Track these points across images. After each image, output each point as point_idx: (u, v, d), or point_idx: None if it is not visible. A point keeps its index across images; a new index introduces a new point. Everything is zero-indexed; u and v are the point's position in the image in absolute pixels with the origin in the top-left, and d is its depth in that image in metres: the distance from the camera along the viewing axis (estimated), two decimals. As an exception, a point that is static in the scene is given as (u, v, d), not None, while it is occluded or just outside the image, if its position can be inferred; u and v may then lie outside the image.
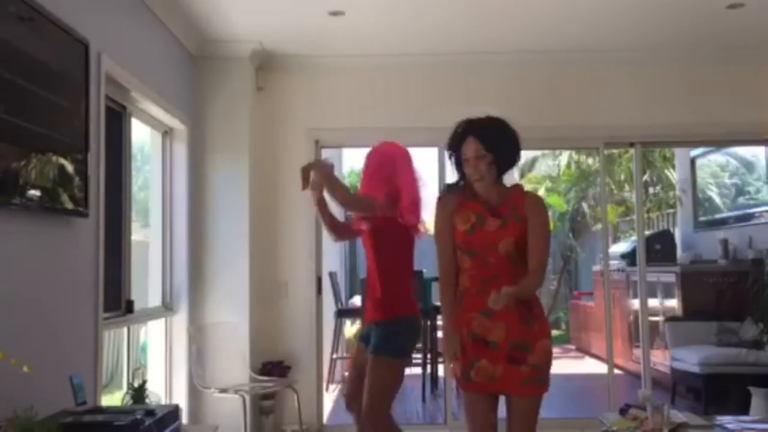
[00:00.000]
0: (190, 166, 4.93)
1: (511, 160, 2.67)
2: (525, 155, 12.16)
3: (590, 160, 11.11)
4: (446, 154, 2.74)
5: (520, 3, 4.44)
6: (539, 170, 12.26)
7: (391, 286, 3.27)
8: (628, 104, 5.44)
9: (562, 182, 11.61)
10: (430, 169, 5.58)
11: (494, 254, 2.61)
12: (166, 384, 4.67)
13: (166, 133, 4.84)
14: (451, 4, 4.43)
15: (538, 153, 11.77)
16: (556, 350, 10.13)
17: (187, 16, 4.57)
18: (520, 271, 2.61)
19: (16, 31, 2.56)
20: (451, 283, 2.73)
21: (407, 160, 3.44)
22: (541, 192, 11.95)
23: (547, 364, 2.68)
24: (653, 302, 6.85)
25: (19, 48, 2.57)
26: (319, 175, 3.18)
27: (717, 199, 7.82)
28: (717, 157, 7.82)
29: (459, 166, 2.68)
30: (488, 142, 2.59)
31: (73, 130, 3.01)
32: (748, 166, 7.41)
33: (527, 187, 12.23)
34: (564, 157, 11.27)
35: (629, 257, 7.33)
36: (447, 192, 2.78)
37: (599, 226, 8.67)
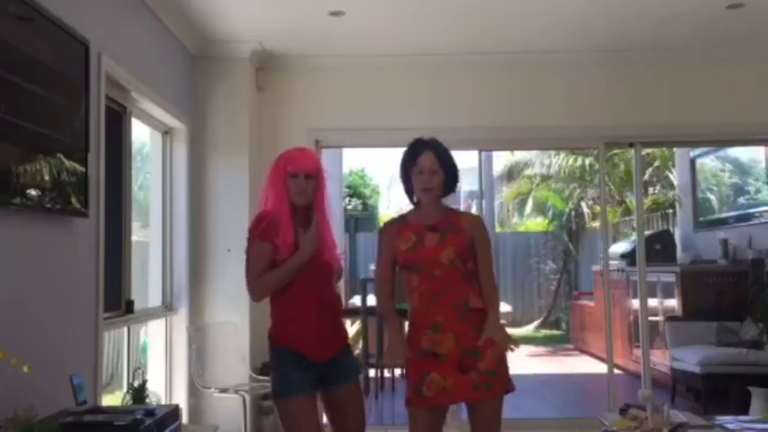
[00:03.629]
0: (190, 166, 4.93)
1: (454, 183, 2.84)
2: (521, 154, 12.18)
3: (585, 160, 11.11)
4: (400, 167, 2.86)
5: (519, 3, 4.44)
6: (534, 169, 12.28)
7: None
8: (628, 104, 5.44)
9: (559, 180, 11.61)
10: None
11: (438, 266, 2.70)
12: (166, 384, 4.67)
13: (166, 133, 4.84)
14: (451, 4, 4.43)
15: (534, 152, 11.77)
16: (555, 349, 10.23)
17: (188, 16, 4.57)
18: (467, 280, 2.72)
19: (17, 31, 2.56)
20: (387, 295, 2.85)
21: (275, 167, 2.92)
22: (541, 192, 11.98)
23: (499, 368, 2.71)
24: (653, 302, 6.85)
25: (19, 48, 2.57)
26: None
27: (715, 199, 7.81)
28: (717, 157, 7.81)
29: (408, 178, 2.82)
30: (443, 157, 2.77)
31: (73, 130, 3.01)
32: (748, 166, 7.41)
33: (522, 185, 12.22)
34: (561, 156, 11.27)
35: (629, 257, 7.33)
36: (386, 224, 2.93)
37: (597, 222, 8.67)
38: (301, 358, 2.74)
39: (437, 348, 2.68)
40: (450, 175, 2.79)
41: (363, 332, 6.65)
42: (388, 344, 2.86)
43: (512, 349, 2.72)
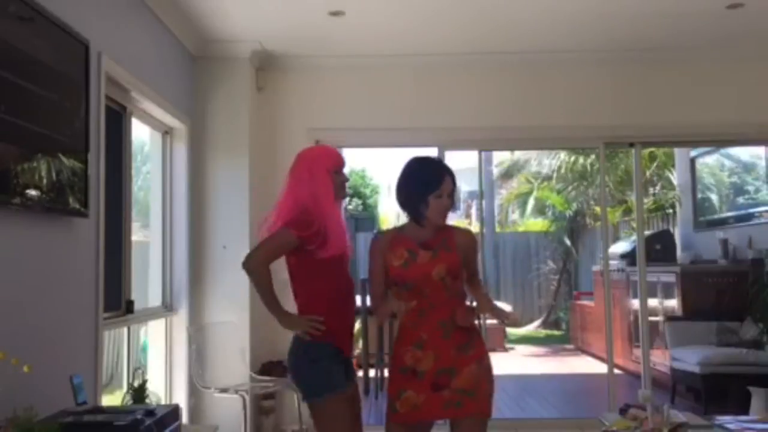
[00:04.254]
0: (190, 166, 4.93)
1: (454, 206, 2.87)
2: (520, 153, 12.18)
3: (583, 159, 11.09)
4: (413, 184, 2.77)
5: (519, 4, 4.44)
6: (534, 169, 12.27)
7: None
8: (628, 104, 5.44)
9: (559, 180, 11.61)
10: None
11: (429, 283, 2.68)
12: (166, 384, 4.67)
13: (167, 133, 4.84)
14: (451, 4, 4.43)
15: (533, 152, 11.76)
16: (555, 349, 10.22)
17: (188, 17, 4.57)
18: (454, 298, 2.71)
19: (16, 31, 2.56)
20: (381, 297, 2.82)
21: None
22: (541, 192, 11.97)
23: (475, 389, 2.65)
24: (653, 302, 6.85)
25: (19, 48, 2.57)
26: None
27: (716, 199, 7.81)
28: (717, 157, 7.81)
29: (423, 196, 2.73)
30: (454, 185, 2.78)
31: (73, 130, 3.01)
32: (748, 166, 7.41)
33: (522, 185, 12.20)
34: (561, 155, 11.26)
35: (629, 257, 7.33)
36: (380, 234, 2.90)
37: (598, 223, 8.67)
38: (339, 353, 2.74)
39: (418, 365, 2.67)
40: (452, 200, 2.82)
41: (363, 332, 6.66)
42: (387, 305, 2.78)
43: (504, 323, 2.74)
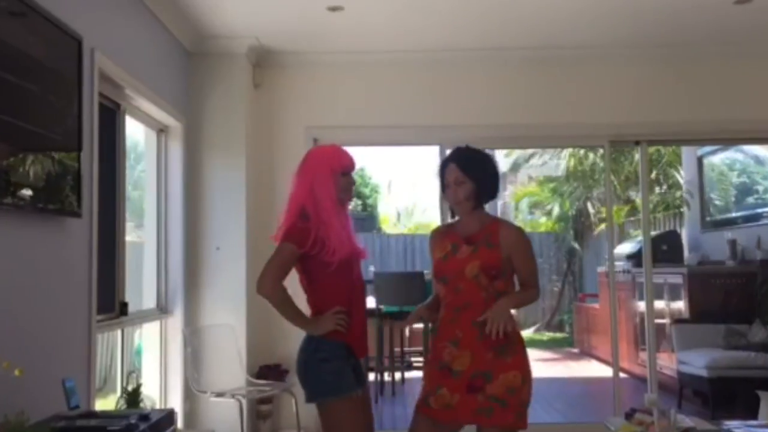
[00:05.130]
0: (186, 164, 4.93)
1: (492, 190, 2.81)
2: (523, 152, 12.18)
3: (590, 157, 11.10)
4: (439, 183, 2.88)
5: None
6: (537, 169, 12.27)
7: None
8: (633, 101, 5.44)
9: (563, 182, 11.61)
10: (431, 169, 5.59)
11: (463, 279, 2.69)
12: (160, 388, 4.67)
13: (161, 131, 4.84)
14: (453, 0, 4.44)
15: (537, 150, 11.75)
16: (559, 352, 10.21)
17: (183, 12, 4.57)
18: (492, 300, 2.67)
19: (8, 26, 2.56)
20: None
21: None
22: (545, 191, 11.98)
23: (508, 397, 2.65)
24: (659, 304, 6.84)
25: (10, 44, 2.57)
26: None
27: (723, 199, 7.81)
28: (724, 156, 7.81)
29: (444, 193, 2.84)
30: (468, 168, 2.73)
31: (66, 128, 3.02)
32: (757, 165, 7.41)
33: (523, 183, 12.17)
34: (565, 154, 11.26)
35: (635, 258, 7.33)
36: (435, 230, 2.97)
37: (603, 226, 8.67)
38: (350, 353, 2.73)
39: (454, 364, 2.68)
40: (481, 182, 2.74)
41: (378, 335, 6.66)
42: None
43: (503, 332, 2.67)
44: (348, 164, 2.82)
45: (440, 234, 2.87)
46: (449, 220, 2.97)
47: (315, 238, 2.67)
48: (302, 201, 2.76)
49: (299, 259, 2.72)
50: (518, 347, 2.74)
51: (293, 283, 2.77)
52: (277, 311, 2.70)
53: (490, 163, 2.82)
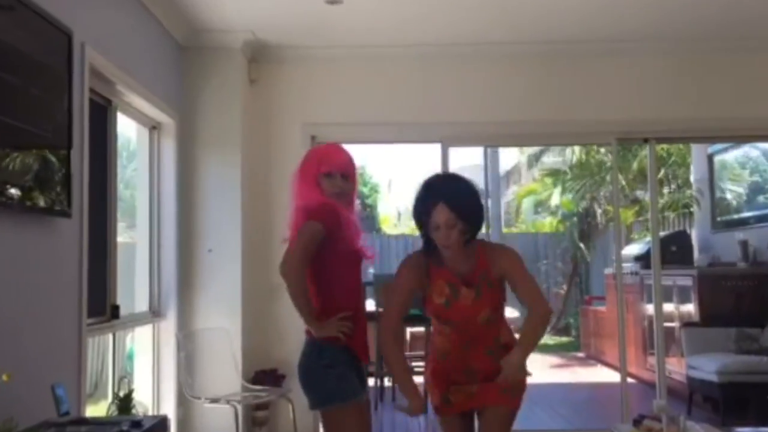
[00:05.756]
0: (179, 163, 4.93)
1: (479, 225, 2.73)
2: (529, 150, 12.19)
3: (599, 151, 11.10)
4: (413, 215, 2.77)
5: (527, -9, 4.45)
6: (543, 166, 12.28)
7: None
8: (642, 97, 5.44)
9: (569, 180, 11.62)
10: (433, 167, 5.59)
11: (473, 324, 2.72)
12: (153, 393, 4.67)
13: (154, 128, 4.84)
14: (454, -9, 4.44)
15: (543, 148, 11.77)
16: (565, 357, 10.20)
17: (176, 5, 4.57)
18: (495, 328, 2.76)
19: (-5, 20, 2.56)
20: (395, 338, 2.75)
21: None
22: (550, 190, 11.98)
23: (520, 383, 2.78)
24: (668, 307, 6.85)
25: (-2, 38, 2.57)
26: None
27: (734, 198, 7.81)
28: (736, 154, 7.81)
29: (425, 228, 2.71)
30: (460, 209, 2.62)
31: (56, 125, 3.01)
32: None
33: (532, 183, 12.21)
34: (570, 152, 11.27)
35: (643, 259, 7.33)
36: (416, 255, 2.82)
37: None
38: (354, 358, 2.73)
39: (468, 376, 2.78)
40: (472, 221, 2.67)
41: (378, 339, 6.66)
42: (408, 397, 2.72)
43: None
44: (329, 165, 2.77)
45: (424, 267, 2.74)
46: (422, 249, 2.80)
47: (333, 217, 2.67)
48: (302, 201, 2.77)
49: (325, 246, 2.68)
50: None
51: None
52: (291, 297, 2.66)
53: (476, 196, 2.76)
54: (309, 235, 2.64)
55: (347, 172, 2.81)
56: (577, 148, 11.13)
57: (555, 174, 12.04)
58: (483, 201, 2.81)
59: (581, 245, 11.91)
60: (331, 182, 2.76)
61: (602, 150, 10.96)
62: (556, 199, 12.07)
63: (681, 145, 9.67)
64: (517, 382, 2.73)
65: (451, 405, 2.78)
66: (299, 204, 2.78)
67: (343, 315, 2.67)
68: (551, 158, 12.18)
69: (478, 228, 2.73)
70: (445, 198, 2.63)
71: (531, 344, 2.70)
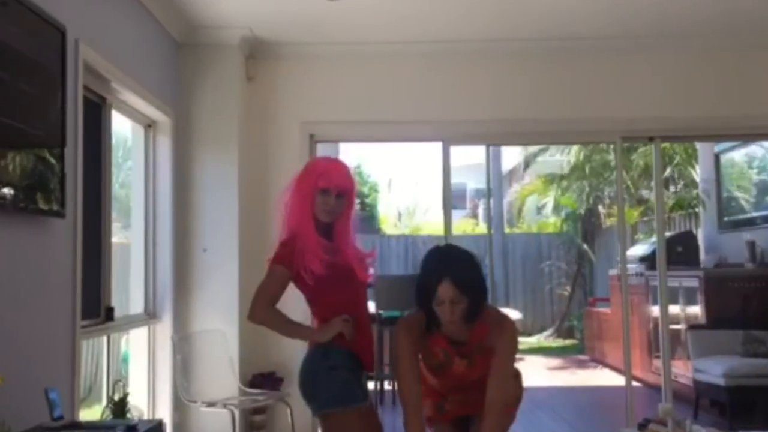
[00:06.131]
0: (175, 162, 4.93)
1: (482, 300, 2.80)
2: (534, 149, 12.16)
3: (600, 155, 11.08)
4: (417, 288, 2.82)
5: (530, -14, 4.45)
6: (544, 166, 12.28)
7: None
8: (647, 95, 5.43)
9: (572, 180, 11.61)
10: (434, 166, 5.59)
11: (465, 382, 2.92)
12: (148, 397, 4.67)
13: (149, 126, 4.84)
14: (456, -13, 4.44)
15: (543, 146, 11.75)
16: (568, 360, 10.20)
17: (172, 1, 4.57)
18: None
19: (-13, 16, 2.56)
20: (419, 410, 2.83)
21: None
22: (554, 190, 11.97)
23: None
24: (674, 309, 6.84)
25: (-10, 35, 2.57)
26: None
27: (742, 198, 7.81)
28: (743, 153, 7.81)
29: (427, 300, 2.77)
30: (465, 286, 2.70)
31: (49, 123, 3.01)
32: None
33: (533, 181, 12.19)
34: (573, 151, 11.25)
35: (648, 260, 7.34)
36: (412, 317, 2.90)
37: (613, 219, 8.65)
38: (359, 363, 2.76)
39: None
40: (477, 298, 2.75)
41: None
42: None
43: None
44: (330, 181, 2.80)
45: (424, 335, 2.83)
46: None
47: (295, 257, 2.74)
48: (290, 218, 2.85)
49: (296, 281, 2.79)
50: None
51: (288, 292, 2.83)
52: (279, 332, 2.84)
53: (479, 269, 2.83)
54: (275, 283, 2.78)
55: (344, 191, 2.83)
56: (574, 150, 11.11)
57: (550, 178, 12.04)
58: (484, 274, 2.90)
59: (585, 246, 11.91)
60: (324, 200, 2.80)
61: (603, 146, 10.93)
62: (550, 206, 12.08)
63: (687, 144, 9.66)
64: (512, 397, 2.87)
65: (445, 413, 2.93)
66: (281, 234, 2.86)
67: (345, 317, 2.71)
68: (549, 158, 12.15)
69: (480, 302, 2.79)
70: (450, 275, 2.69)
71: (497, 416, 2.75)
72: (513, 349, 2.83)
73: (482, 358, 2.78)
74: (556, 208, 12.18)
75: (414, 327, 2.84)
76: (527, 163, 12.68)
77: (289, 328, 2.80)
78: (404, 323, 2.89)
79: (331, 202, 2.80)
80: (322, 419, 2.74)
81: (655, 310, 6.58)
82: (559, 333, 12.08)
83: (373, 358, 2.87)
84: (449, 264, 2.75)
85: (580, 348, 10.81)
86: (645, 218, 10.47)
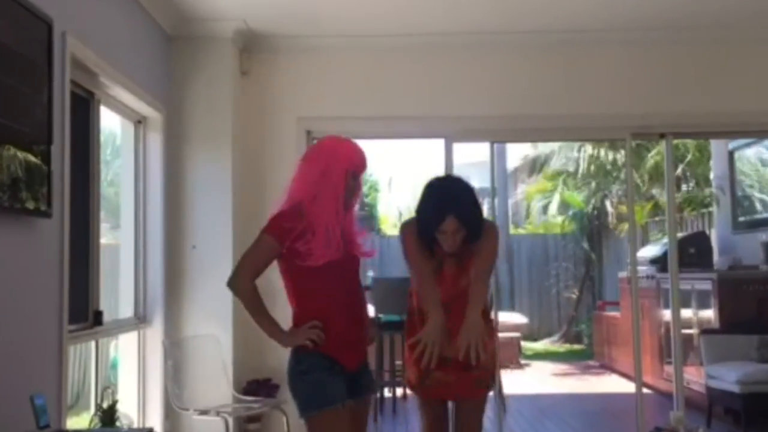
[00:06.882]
0: (166, 159, 4.93)
1: (480, 228, 3.12)
2: (540, 149, 12.16)
3: (610, 154, 11.08)
4: (419, 217, 3.14)
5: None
6: (555, 165, 12.26)
7: None
8: (658, 90, 5.43)
9: (579, 178, 11.60)
10: (436, 163, 5.59)
11: (454, 288, 3.11)
12: (138, 405, 4.67)
13: (139, 122, 4.84)
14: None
15: (554, 146, 11.75)
16: (576, 365, 10.22)
17: (163, -8, 4.57)
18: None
19: (-30, 8, 2.56)
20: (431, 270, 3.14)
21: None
22: (561, 188, 11.98)
23: (493, 365, 3.27)
24: (687, 313, 6.85)
25: (-27, 27, 2.57)
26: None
27: (757, 198, 7.81)
28: (759, 150, 7.81)
29: (429, 235, 3.10)
30: (466, 220, 3.04)
31: (35, 119, 3.01)
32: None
33: (542, 182, 12.19)
34: (585, 149, 11.24)
35: (660, 262, 7.33)
36: (408, 223, 3.26)
37: (625, 226, 8.66)
38: (334, 363, 2.75)
39: (444, 351, 2.95)
40: (474, 228, 3.08)
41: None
42: (430, 308, 3.00)
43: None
44: (360, 166, 2.83)
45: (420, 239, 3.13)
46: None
47: (300, 237, 2.70)
48: (302, 194, 2.79)
49: (281, 259, 2.77)
50: (489, 319, 3.27)
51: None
52: (247, 311, 2.80)
53: (479, 205, 3.16)
54: (261, 251, 2.78)
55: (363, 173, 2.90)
56: (585, 152, 11.11)
57: (555, 175, 12.04)
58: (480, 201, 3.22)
59: (592, 248, 11.91)
60: (356, 183, 2.85)
61: (607, 153, 10.95)
62: (554, 204, 12.08)
63: (700, 141, 9.66)
64: (488, 374, 3.14)
65: (426, 388, 3.12)
66: (299, 193, 2.80)
67: (313, 324, 2.72)
68: (560, 158, 12.14)
69: (479, 231, 3.11)
70: (456, 211, 3.01)
71: (479, 303, 3.01)
72: (495, 251, 3.18)
73: (470, 262, 3.10)
74: (563, 206, 12.17)
75: (410, 224, 3.20)
76: (539, 166, 12.61)
77: (261, 315, 2.79)
78: (408, 226, 3.20)
79: (360, 185, 2.86)
80: (305, 423, 2.78)
81: (667, 314, 6.58)
82: (567, 338, 12.08)
83: (354, 355, 2.84)
84: (453, 201, 3.05)
85: (588, 353, 10.80)
86: (656, 218, 10.47)
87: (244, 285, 2.78)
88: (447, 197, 3.08)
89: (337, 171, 2.77)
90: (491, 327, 3.29)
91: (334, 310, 2.80)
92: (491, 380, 3.24)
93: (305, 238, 2.71)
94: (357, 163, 2.82)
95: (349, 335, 2.83)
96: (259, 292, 2.78)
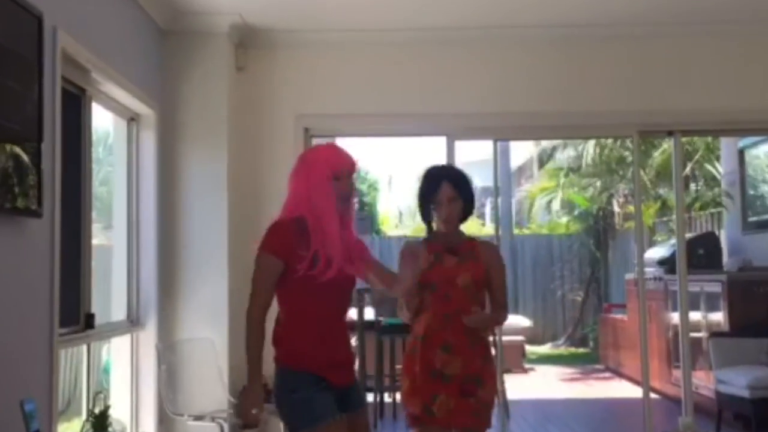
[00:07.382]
0: (160, 158, 4.93)
1: (472, 205, 3.37)
2: (543, 145, 12.16)
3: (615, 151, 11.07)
4: (418, 198, 3.39)
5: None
6: (559, 162, 12.27)
7: None
8: (666, 86, 5.43)
9: (584, 176, 11.60)
10: (437, 162, 5.57)
11: (454, 288, 3.19)
12: (131, 410, 4.67)
13: (132, 120, 4.84)
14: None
15: (558, 142, 11.75)
16: (582, 370, 10.23)
17: (156, -15, 4.57)
18: (475, 303, 3.23)
19: (-42, 1, 2.55)
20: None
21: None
22: (567, 188, 11.98)
23: (493, 403, 3.31)
24: (695, 316, 6.84)
25: (-39, 21, 2.57)
26: None
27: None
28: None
29: (427, 210, 3.34)
30: (460, 187, 3.28)
31: (25, 116, 3.01)
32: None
33: (547, 179, 12.23)
34: (589, 146, 11.24)
35: (668, 264, 7.33)
36: (410, 242, 3.46)
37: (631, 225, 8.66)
38: (320, 380, 2.76)
39: (446, 368, 3.13)
40: (468, 200, 3.30)
41: (360, 350, 6.65)
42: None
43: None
44: (344, 165, 2.81)
45: (418, 248, 3.28)
46: (424, 236, 3.48)
47: (301, 256, 2.72)
48: (299, 210, 2.80)
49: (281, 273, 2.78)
50: (491, 357, 3.35)
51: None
52: (246, 340, 2.83)
53: (470, 180, 3.39)
54: (266, 272, 2.79)
55: (352, 172, 2.87)
56: (590, 146, 11.11)
57: (558, 172, 12.03)
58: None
59: (598, 249, 11.90)
60: (339, 185, 2.80)
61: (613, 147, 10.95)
62: (557, 202, 12.08)
63: (709, 139, 9.66)
64: (485, 404, 3.21)
65: (433, 417, 3.13)
66: (300, 212, 2.80)
67: (260, 409, 2.81)
68: (564, 155, 12.14)
69: (472, 209, 3.35)
70: (448, 178, 3.28)
71: (494, 322, 3.47)
72: (504, 274, 3.37)
73: (473, 263, 3.23)
74: (568, 205, 12.17)
75: (411, 244, 3.39)
76: (541, 162, 12.64)
77: (255, 353, 2.82)
78: (404, 246, 3.37)
79: (346, 186, 2.81)
80: None
81: (675, 317, 6.58)
82: (572, 341, 12.08)
83: (342, 373, 2.85)
84: (446, 170, 3.42)
85: (594, 357, 10.81)
86: (664, 218, 10.47)
87: (258, 315, 2.79)
88: (441, 169, 3.43)
89: (319, 176, 2.78)
90: (493, 367, 3.33)
91: (325, 326, 2.82)
92: (489, 418, 3.27)
93: (305, 255, 2.72)
94: (337, 164, 2.80)
95: (338, 352, 2.86)
96: (263, 333, 2.81)
